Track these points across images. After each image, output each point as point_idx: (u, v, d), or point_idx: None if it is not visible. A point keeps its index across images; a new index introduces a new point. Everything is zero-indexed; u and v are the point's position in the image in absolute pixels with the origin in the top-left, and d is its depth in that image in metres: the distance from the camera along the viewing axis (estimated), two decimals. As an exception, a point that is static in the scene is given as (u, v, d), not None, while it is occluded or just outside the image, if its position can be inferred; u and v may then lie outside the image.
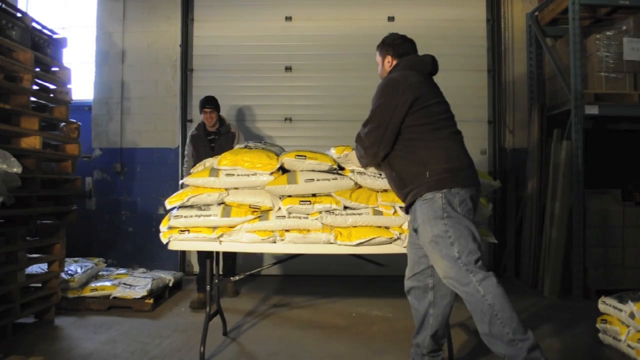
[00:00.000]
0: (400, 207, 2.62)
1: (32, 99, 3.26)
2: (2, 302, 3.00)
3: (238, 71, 5.30)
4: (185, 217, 2.64)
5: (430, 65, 2.41)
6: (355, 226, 2.62)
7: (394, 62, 2.44)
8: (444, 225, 2.11)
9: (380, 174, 2.62)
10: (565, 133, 4.41)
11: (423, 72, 2.37)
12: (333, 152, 2.65)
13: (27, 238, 3.30)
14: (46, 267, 3.54)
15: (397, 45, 2.45)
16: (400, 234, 2.60)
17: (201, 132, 4.25)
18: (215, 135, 4.24)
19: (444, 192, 2.13)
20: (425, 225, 2.17)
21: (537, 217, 4.74)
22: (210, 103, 4.19)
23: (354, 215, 2.61)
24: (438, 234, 2.12)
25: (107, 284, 3.90)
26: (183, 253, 5.23)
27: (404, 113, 2.22)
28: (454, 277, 2.10)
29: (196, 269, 5.17)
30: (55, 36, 3.63)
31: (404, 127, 2.25)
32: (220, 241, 2.65)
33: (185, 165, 4.27)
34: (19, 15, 3.24)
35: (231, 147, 3.97)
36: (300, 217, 2.62)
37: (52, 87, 3.55)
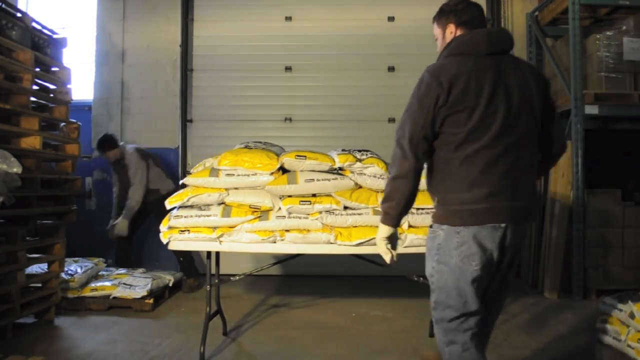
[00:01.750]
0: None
1: (32, 99, 3.26)
2: (2, 302, 2.99)
3: (238, 71, 5.30)
4: (185, 217, 2.64)
5: (486, 43, 1.76)
6: (356, 226, 2.62)
7: (458, 32, 1.89)
8: (432, 268, 1.82)
9: (381, 175, 2.62)
10: (565, 133, 4.41)
11: (476, 56, 1.75)
12: (336, 159, 2.64)
13: (27, 238, 3.30)
14: (46, 267, 3.54)
15: (460, 11, 1.89)
16: (400, 233, 2.60)
17: (113, 164, 4.70)
18: (119, 166, 4.64)
19: (444, 229, 1.76)
20: (426, 256, 1.91)
21: (537, 217, 4.74)
22: (97, 149, 4.62)
23: (354, 215, 2.61)
24: (427, 272, 1.87)
25: (107, 284, 3.90)
26: (183, 253, 5.22)
27: (430, 116, 1.74)
28: (434, 317, 1.87)
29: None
30: (55, 36, 3.62)
31: (437, 132, 1.77)
32: (221, 241, 2.65)
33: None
34: (19, 15, 3.24)
35: (126, 175, 4.52)
36: (300, 217, 2.62)
37: (52, 87, 3.55)
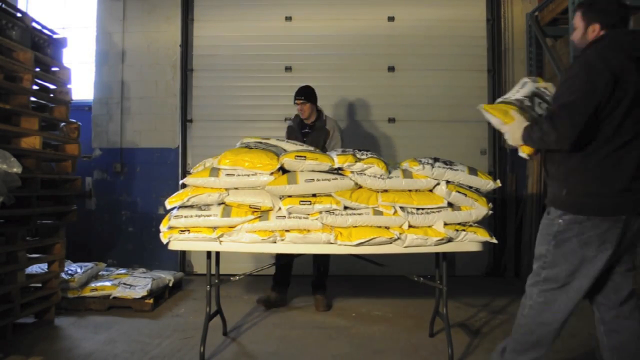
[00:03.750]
0: (401, 207, 2.61)
1: (32, 99, 3.26)
2: (2, 302, 2.99)
3: (238, 71, 5.31)
4: (185, 217, 2.64)
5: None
6: (356, 226, 2.62)
7: (600, 34, 1.96)
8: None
9: (381, 175, 2.62)
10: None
11: (631, 56, 1.88)
12: (336, 159, 2.64)
13: (27, 238, 3.30)
14: (46, 267, 3.54)
15: (610, 12, 1.95)
16: (400, 234, 2.60)
17: (296, 124, 3.99)
18: (309, 129, 3.95)
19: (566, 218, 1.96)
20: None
21: (537, 217, 4.73)
22: (300, 94, 3.90)
23: (354, 215, 2.61)
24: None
25: (107, 284, 3.90)
26: (183, 253, 5.23)
27: (599, 96, 1.82)
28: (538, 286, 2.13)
29: (196, 269, 5.22)
30: (55, 36, 3.63)
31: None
32: (221, 241, 2.65)
33: None
34: (19, 15, 3.24)
35: (323, 145, 3.85)
36: (300, 217, 2.62)
37: (52, 87, 3.55)
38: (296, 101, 3.92)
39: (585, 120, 1.83)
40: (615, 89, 1.82)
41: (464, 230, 2.65)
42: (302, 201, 2.60)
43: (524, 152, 2.11)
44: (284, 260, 3.75)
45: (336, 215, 2.60)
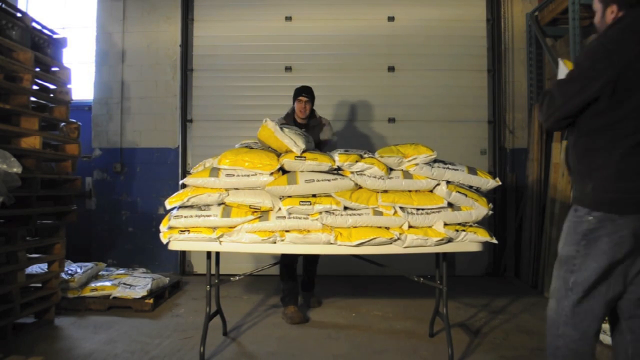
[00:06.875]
0: (401, 208, 2.61)
1: (32, 99, 3.26)
2: (2, 302, 3.00)
3: (238, 71, 5.31)
4: (185, 217, 2.64)
5: None
6: (356, 227, 2.62)
7: (619, 15, 1.88)
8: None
9: (380, 176, 2.62)
10: (566, 133, 4.41)
11: None
12: (336, 160, 2.64)
13: (27, 238, 3.30)
14: (46, 267, 3.54)
15: None
16: (400, 234, 2.60)
17: (290, 122, 3.81)
18: (304, 128, 3.68)
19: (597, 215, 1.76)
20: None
21: (537, 216, 4.74)
22: (307, 92, 3.80)
23: (354, 215, 2.61)
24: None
25: (107, 284, 3.90)
26: (183, 253, 5.23)
27: (592, 92, 1.73)
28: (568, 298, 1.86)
29: (196, 269, 5.21)
30: (55, 36, 3.63)
31: (595, 111, 1.76)
32: (221, 241, 2.66)
33: None
34: (19, 15, 3.24)
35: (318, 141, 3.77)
36: (300, 218, 2.62)
37: (52, 87, 3.55)
38: (301, 97, 3.79)
39: (570, 111, 1.79)
40: (621, 78, 1.70)
41: (464, 230, 2.65)
42: (302, 201, 2.60)
43: None
44: (286, 261, 3.71)
45: (336, 215, 2.61)
